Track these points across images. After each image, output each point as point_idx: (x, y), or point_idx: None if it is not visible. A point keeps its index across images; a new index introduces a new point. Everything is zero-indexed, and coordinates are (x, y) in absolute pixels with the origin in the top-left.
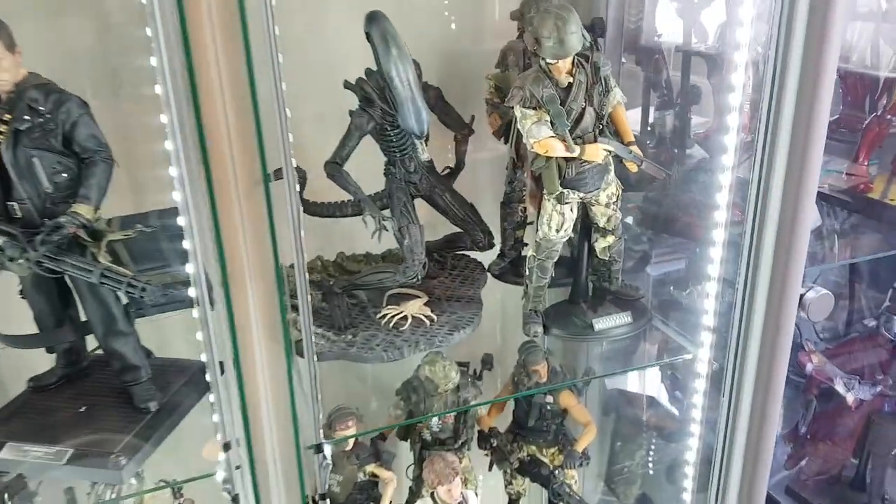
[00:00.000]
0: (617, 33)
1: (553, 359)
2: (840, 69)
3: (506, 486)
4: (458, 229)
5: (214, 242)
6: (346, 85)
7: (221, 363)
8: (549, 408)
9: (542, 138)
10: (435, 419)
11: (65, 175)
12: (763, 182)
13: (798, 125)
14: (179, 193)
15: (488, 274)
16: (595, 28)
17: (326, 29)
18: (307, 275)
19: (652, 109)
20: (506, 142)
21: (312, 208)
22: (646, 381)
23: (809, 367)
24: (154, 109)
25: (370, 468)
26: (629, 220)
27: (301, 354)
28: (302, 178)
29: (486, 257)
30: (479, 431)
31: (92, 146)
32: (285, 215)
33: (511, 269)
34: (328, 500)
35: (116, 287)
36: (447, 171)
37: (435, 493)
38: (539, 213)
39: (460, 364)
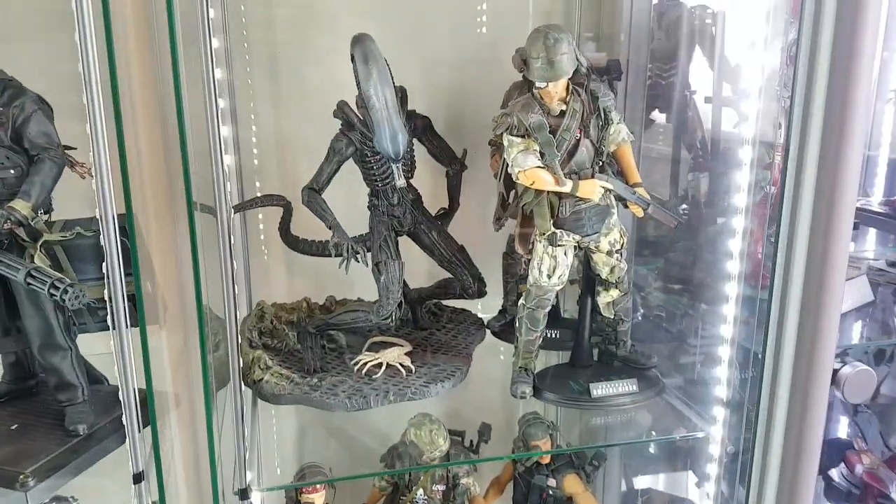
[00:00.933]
0: (638, 81)
1: (560, 435)
2: None
3: None
4: (450, 275)
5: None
6: (335, 113)
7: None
8: (550, 493)
9: (527, 167)
10: (420, 493)
11: (12, 172)
12: (788, 242)
13: (823, 182)
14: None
15: (487, 331)
16: (610, 70)
17: (326, 64)
18: (235, 311)
19: (683, 169)
20: None
21: (298, 245)
22: (666, 474)
23: (859, 469)
24: None
25: None
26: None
27: (264, 397)
28: (287, 211)
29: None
30: None
31: (41, 143)
32: (258, 249)
33: (512, 326)
34: None
35: (41, 288)
36: (441, 212)
37: None
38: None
39: (454, 433)
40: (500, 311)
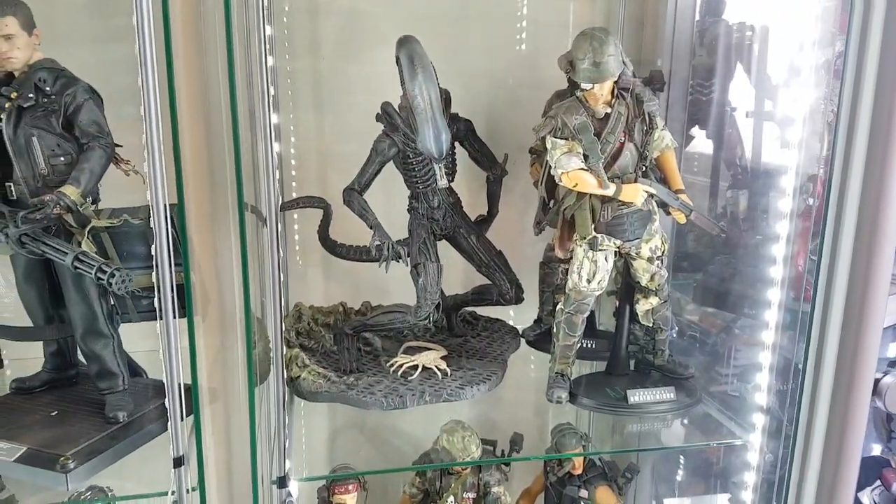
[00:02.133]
0: (679, 96)
1: (592, 446)
2: None
3: None
4: (488, 281)
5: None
6: (378, 116)
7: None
8: None
9: (570, 169)
10: (451, 500)
11: (62, 159)
12: (831, 253)
13: (868, 193)
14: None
15: (522, 340)
16: (653, 80)
17: (368, 74)
18: (280, 311)
19: (722, 185)
20: None
21: (336, 249)
22: (701, 490)
23: None
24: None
25: None
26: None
27: (301, 394)
28: (327, 215)
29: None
30: None
31: (92, 131)
32: (293, 255)
33: (547, 336)
34: None
35: (88, 272)
36: (480, 218)
37: None
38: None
39: (487, 442)
40: (535, 321)
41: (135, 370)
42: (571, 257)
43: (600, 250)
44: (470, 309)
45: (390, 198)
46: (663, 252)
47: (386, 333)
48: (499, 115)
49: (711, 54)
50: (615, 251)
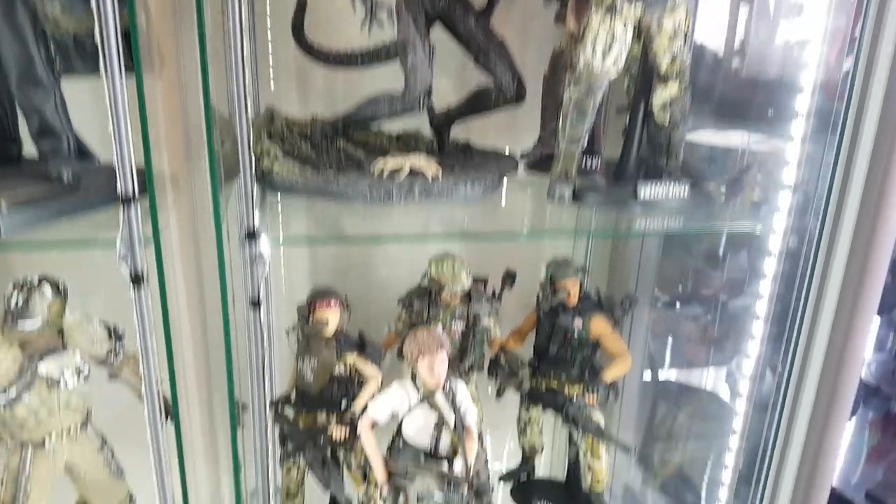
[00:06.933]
0: None
1: (588, 279)
2: None
3: (519, 436)
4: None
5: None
6: None
7: None
8: (575, 334)
9: None
10: (439, 329)
11: None
12: (825, 253)
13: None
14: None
15: (520, 167)
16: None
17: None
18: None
19: None
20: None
21: (313, 52)
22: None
23: None
24: None
25: (351, 360)
26: None
27: (274, 187)
28: (300, 5)
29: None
30: (491, 359)
31: None
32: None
33: (548, 160)
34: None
35: None
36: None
37: (416, 373)
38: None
39: (477, 279)
40: (536, 141)
41: (85, 153)
42: (584, 31)
43: (619, 15)
44: (464, 138)
45: None
46: (687, 29)
47: (370, 140)
48: None
49: None
50: (634, 26)
